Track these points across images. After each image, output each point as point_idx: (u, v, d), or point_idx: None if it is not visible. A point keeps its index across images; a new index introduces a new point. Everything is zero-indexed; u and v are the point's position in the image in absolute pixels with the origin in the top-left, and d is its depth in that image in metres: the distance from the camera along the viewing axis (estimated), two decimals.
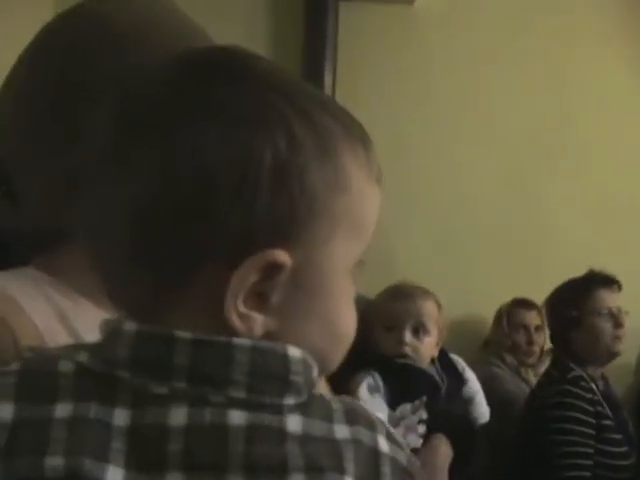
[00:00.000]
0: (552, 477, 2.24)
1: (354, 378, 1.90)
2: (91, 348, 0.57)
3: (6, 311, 0.72)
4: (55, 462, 0.51)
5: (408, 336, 1.99)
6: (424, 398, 1.88)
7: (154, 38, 0.81)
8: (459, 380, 2.04)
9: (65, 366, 0.56)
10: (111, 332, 0.56)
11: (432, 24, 3.45)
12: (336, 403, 0.58)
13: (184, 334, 0.54)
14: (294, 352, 0.56)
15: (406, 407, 1.87)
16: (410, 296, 2.05)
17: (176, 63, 0.60)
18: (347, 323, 0.61)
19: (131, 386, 0.54)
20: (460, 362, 2.09)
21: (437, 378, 1.98)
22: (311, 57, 3.29)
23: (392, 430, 0.61)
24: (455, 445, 1.86)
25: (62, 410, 0.53)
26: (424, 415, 1.86)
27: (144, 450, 0.52)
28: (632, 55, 3.52)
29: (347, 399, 0.60)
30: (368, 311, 2.04)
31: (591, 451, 2.26)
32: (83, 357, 0.56)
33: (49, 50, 0.82)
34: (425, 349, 2.00)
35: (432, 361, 2.03)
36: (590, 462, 2.25)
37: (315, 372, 0.58)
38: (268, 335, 0.56)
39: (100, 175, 0.58)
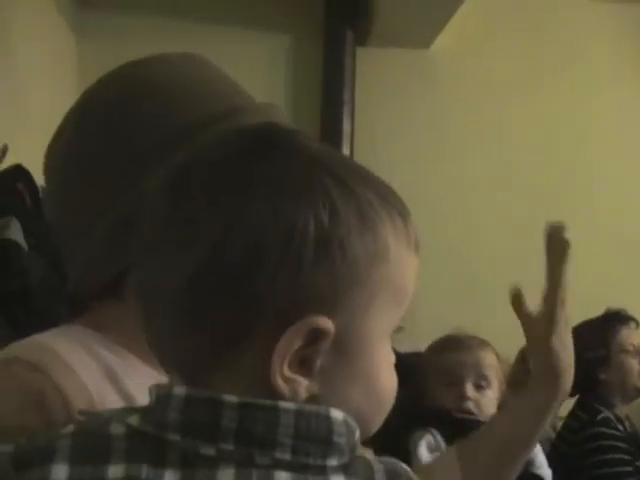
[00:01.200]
0: None
1: (411, 437, 1.76)
2: (142, 411, 0.58)
3: (56, 372, 0.72)
4: None
5: (470, 389, 1.82)
6: None
7: (197, 98, 0.84)
8: None
9: (117, 429, 0.57)
10: (161, 396, 0.58)
11: (448, 67, 3.45)
12: (377, 464, 0.59)
13: (231, 397, 0.55)
14: (337, 414, 0.57)
15: None
16: (469, 347, 1.89)
17: (236, 137, 0.63)
18: (388, 387, 0.63)
19: (181, 448, 0.55)
20: None
21: None
22: (330, 102, 3.28)
23: None
24: None
25: (115, 471, 0.55)
26: None
27: None
28: None
29: (388, 459, 0.61)
30: (419, 365, 1.90)
31: None
32: (134, 420, 0.57)
33: (94, 107, 0.83)
34: (487, 403, 1.83)
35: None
36: None
37: (357, 434, 0.59)
38: (312, 398, 0.57)
39: (158, 237, 0.60)
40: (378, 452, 1.68)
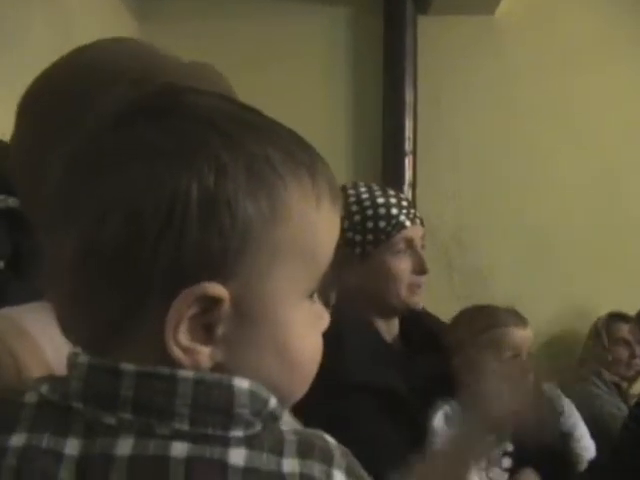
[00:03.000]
0: None
1: (432, 407, 1.66)
2: (53, 380, 0.58)
3: (10, 338, 0.73)
4: None
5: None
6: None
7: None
8: (553, 411, 1.75)
9: (31, 397, 0.57)
10: (68, 364, 0.57)
11: (514, 33, 3.24)
12: (292, 435, 0.56)
13: (129, 366, 0.54)
14: (240, 384, 0.55)
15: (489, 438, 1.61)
16: (503, 324, 1.74)
17: (126, 105, 0.59)
18: (303, 352, 0.59)
19: (84, 417, 0.55)
20: (554, 391, 1.81)
21: None
22: (391, 74, 3.14)
23: (357, 465, 0.58)
24: None
25: (17, 440, 0.54)
26: (509, 447, 1.63)
27: (90, 479, 0.53)
28: None
29: (309, 431, 0.58)
30: (451, 335, 1.84)
31: None
32: (44, 389, 0.57)
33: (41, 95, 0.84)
34: None
35: None
36: None
37: (272, 403, 0.56)
38: (218, 367, 0.55)
39: (51, 221, 0.58)
40: (400, 414, 1.56)
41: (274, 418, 0.57)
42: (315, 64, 3.23)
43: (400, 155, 3.09)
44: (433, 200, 3.11)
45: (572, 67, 3.21)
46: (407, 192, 2.99)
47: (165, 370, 0.54)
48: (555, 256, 3.19)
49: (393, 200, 1.75)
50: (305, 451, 0.55)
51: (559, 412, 1.77)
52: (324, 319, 0.63)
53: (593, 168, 3.21)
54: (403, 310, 1.76)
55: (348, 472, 0.56)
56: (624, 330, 2.95)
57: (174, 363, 0.54)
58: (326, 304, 1.71)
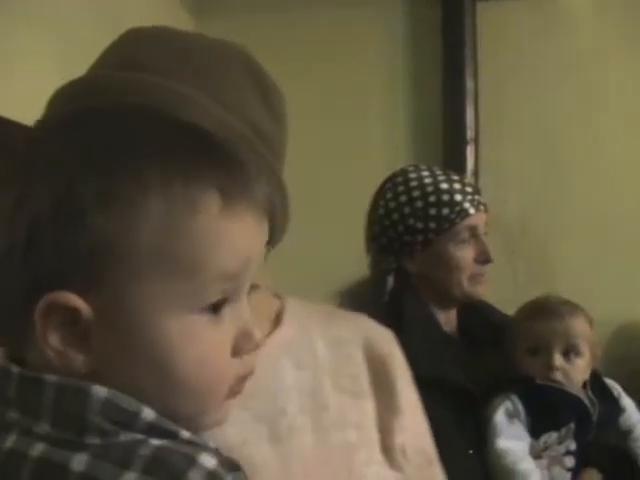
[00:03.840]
0: None
1: (492, 402, 1.63)
2: None
3: None
4: None
5: (558, 359, 1.66)
6: (572, 426, 1.60)
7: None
8: (615, 408, 1.70)
9: None
10: None
11: (577, 15, 3.12)
12: (147, 449, 0.54)
13: (14, 369, 0.58)
14: (98, 391, 0.55)
15: (551, 436, 1.59)
16: (558, 313, 1.70)
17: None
18: (188, 368, 0.58)
19: None
20: (616, 387, 1.76)
21: (587, 403, 1.65)
22: (451, 62, 3.06)
23: None
24: None
25: None
26: (572, 446, 1.59)
27: None
28: None
29: (186, 449, 0.55)
30: (508, 330, 1.74)
31: None
32: None
33: None
34: (577, 373, 1.67)
35: (583, 385, 1.69)
36: None
37: (144, 415, 0.56)
38: (93, 374, 0.56)
39: None
40: (464, 411, 1.51)
41: (161, 432, 0.56)
42: (371, 55, 3.18)
43: (462, 143, 3.02)
44: (497, 188, 3.02)
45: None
46: (470, 181, 2.92)
47: (35, 373, 0.57)
48: (624, 245, 3.06)
49: (457, 186, 1.69)
50: (152, 467, 0.54)
51: (621, 409, 1.70)
52: (246, 337, 0.61)
53: None
54: (464, 300, 1.71)
55: None
56: None
57: (53, 368, 0.57)
58: (382, 290, 1.67)
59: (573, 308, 1.73)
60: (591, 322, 1.75)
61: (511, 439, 1.58)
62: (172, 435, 0.56)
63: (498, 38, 3.12)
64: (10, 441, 0.56)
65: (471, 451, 1.58)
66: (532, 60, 3.11)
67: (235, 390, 0.63)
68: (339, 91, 3.05)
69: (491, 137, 3.07)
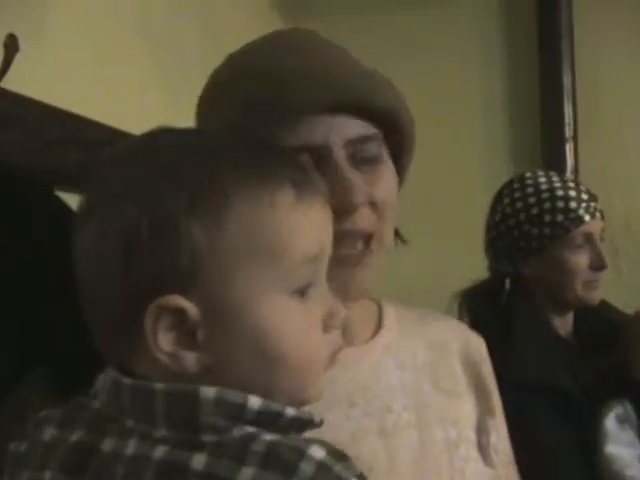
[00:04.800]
0: None
1: (603, 407, 1.58)
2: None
3: None
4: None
5: None
6: None
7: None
8: None
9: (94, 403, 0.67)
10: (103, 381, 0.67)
11: None
12: (261, 445, 0.57)
13: (127, 380, 0.63)
14: (207, 393, 0.59)
15: None
16: None
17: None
18: (288, 348, 0.62)
19: (118, 422, 0.63)
20: None
21: None
22: (547, 57, 2.96)
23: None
24: None
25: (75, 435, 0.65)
26: None
27: (107, 472, 0.61)
28: None
29: (292, 443, 0.58)
30: (624, 331, 1.69)
31: None
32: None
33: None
34: None
35: None
36: None
37: (251, 404, 0.59)
38: (207, 369, 0.61)
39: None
40: (571, 418, 1.45)
41: (269, 417, 0.60)
42: (468, 52, 3.10)
43: (560, 142, 2.92)
44: (599, 187, 2.88)
45: None
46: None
47: (145, 383, 0.61)
48: None
49: (572, 193, 1.70)
50: (267, 462, 0.56)
51: None
52: (332, 316, 0.65)
53: None
54: (579, 306, 1.70)
55: None
56: None
57: (167, 371, 0.61)
58: (498, 292, 1.66)
59: None
60: None
61: (622, 445, 1.53)
62: (278, 416, 0.61)
63: (594, 31, 3.01)
64: (132, 446, 0.60)
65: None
66: (629, 52, 3.00)
67: (328, 365, 0.67)
68: (435, 94, 2.99)
69: (590, 134, 2.96)
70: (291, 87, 0.84)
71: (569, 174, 2.88)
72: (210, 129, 0.71)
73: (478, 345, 1.07)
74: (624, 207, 2.98)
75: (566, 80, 2.94)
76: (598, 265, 1.66)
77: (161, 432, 0.60)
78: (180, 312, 0.60)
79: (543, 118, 2.98)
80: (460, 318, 1.72)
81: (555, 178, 1.74)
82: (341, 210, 0.82)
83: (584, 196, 1.70)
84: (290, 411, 0.62)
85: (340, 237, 0.75)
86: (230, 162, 0.62)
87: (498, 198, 1.83)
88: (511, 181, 1.82)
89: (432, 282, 2.70)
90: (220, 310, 0.61)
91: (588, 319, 1.76)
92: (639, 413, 1.57)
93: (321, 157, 0.85)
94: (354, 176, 0.85)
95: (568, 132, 2.92)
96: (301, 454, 0.57)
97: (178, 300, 0.60)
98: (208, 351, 0.61)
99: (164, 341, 0.60)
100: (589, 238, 1.67)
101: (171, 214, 0.59)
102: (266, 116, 0.83)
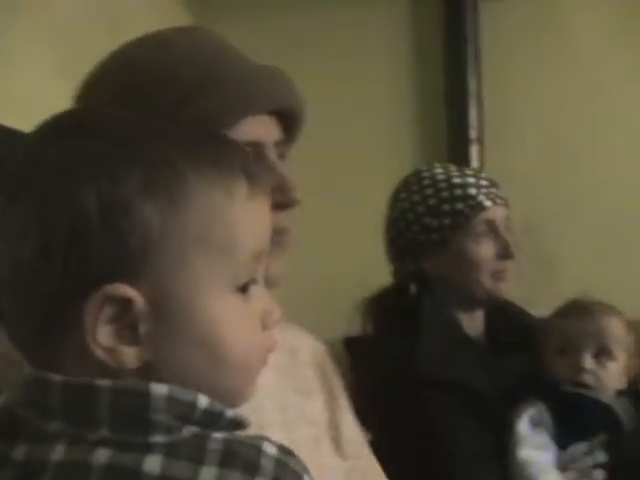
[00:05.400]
0: None
1: (516, 409, 1.52)
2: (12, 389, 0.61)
3: None
4: None
5: (588, 361, 1.54)
6: (603, 437, 1.48)
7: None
8: None
9: None
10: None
11: (579, 11, 3.03)
12: (217, 443, 0.55)
13: (56, 377, 0.57)
14: (158, 390, 0.55)
15: (579, 447, 1.48)
16: (590, 312, 1.59)
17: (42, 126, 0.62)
18: (231, 344, 0.59)
19: (30, 425, 0.57)
20: None
21: (619, 412, 1.52)
22: (453, 62, 2.99)
23: (294, 476, 0.57)
24: None
25: None
26: (602, 458, 1.47)
27: None
28: None
29: (246, 440, 0.57)
30: (538, 330, 1.64)
31: None
32: (2, 397, 0.61)
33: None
34: (609, 378, 1.54)
35: (620, 393, 1.57)
36: None
37: (200, 403, 0.56)
38: (146, 366, 0.57)
39: None
40: (485, 418, 1.46)
41: (213, 417, 0.57)
42: (376, 55, 3.10)
43: (465, 144, 2.94)
44: (504, 188, 2.96)
45: None
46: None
47: (85, 380, 0.56)
48: (629, 245, 3.00)
49: (471, 180, 1.61)
50: (227, 460, 0.54)
51: None
52: (269, 314, 0.63)
53: None
54: (487, 299, 1.62)
55: None
56: None
57: (102, 366, 0.56)
58: (406, 295, 1.63)
59: (608, 308, 1.62)
60: (629, 327, 1.63)
61: (535, 449, 1.48)
62: (219, 416, 0.58)
63: (500, 36, 3.04)
64: (58, 453, 0.55)
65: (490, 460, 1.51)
66: (534, 57, 3.04)
67: (265, 363, 0.65)
68: (341, 95, 2.98)
69: (496, 136, 3.00)
70: (243, 86, 0.89)
71: None
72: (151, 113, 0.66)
73: (322, 351, 1.11)
74: (525, 208, 3.03)
75: (471, 83, 2.97)
76: (504, 253, 1.60)
77: (100, 434, 0.55)
78: (126, 302, 0.56)
79: (449, 120, 3.00)
80: (363, 326, 1.67)
81: (452, 168, 1.66)
82: (282, 206, 0.85)
83: (484, 182, 1.62)
84: (229, 412, 0.59)
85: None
86: (186, 144, 0.59)
87: (395, 195, 1.73)
88: (407, 176, 1.73)
89: (337, 281, 2.71)
90: (166, 302, 0.57)
91: (498, 319, 1.70)
92: (554, 415, 1.52)
93: (256, 154, 0.87)
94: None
95: (473, 134, 2.95)
96: (258, 451, 0.56)
97: (126, 289, 0.56)
98: (149, 346, 0.57)
99: (103, 334, 0.56)
100: (492, 225, 1.60)
101: (125, 194, 0.55)
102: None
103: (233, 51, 0.94)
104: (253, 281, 0.62)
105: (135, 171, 0.56)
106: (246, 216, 0.60)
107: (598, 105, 3.01)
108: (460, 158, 2.90)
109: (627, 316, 1.68)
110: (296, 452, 0.87)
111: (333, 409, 1.06)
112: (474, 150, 2.95)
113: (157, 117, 0.64)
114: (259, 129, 0.89)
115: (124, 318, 0.56)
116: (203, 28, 0.98)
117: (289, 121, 0.94)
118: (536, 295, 1.76)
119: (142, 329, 0.57)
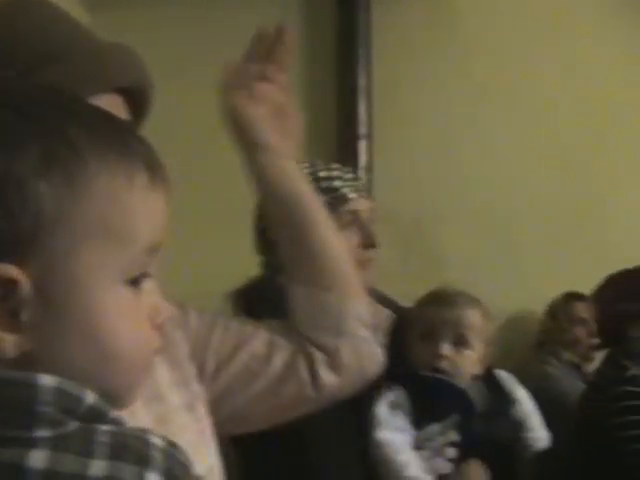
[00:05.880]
0: None
1: (376, 393, 1.57)
2: None
3: None
4: None
5: (446, 348, 1.61)
6: (456, 418, 1.54)
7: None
8: (505, 400, 1.64)
9: None
10: None
11: (472, 11, 3.12)
12: (105, 436, 0.52)
13: None
14: (46, 381, 0.51)
15: (434, 427, 1.53)
16: (451, 303, 1.66)
17: None
18: (119, 339, 0.56)
19: None
20: (509, 379, 1.70)
21: (472, 395, 1.59)
22: (343, 57, 3.01)
23: (182, 467, 0.54)
24: (495, 473, 1.51)
25: None
26: (454, 437, 1.53)
27: None
28: None
29: (133, 431, 0.54)
30: (402, 318, 1.69)
31: None
32: None
33: None
34: (465, 364, 1.62)
35: (475, 378, 1.64)
36: None
37: (87, 399, 0.53)
38: (26, 356, 0.53)
39: None
40: (351, 408, 1.47)
41: (97, 414, 0.53)
42: None
43: (354, 139, 2.97)
44: (391, 184, 3.00)
45: (535, 41, 3.11)
46: (363, 176, 2.88)
47: None
48: (512, 240, 3.10)
49: (336, 173, 1.66)
50: (117, 453, 0.51)
51: (512, 400, 1.67)
52: (158, 312, 0.60)
53: (551, 142, 3.12)
54: None
55: (167, 474, 0.52)
56: (581, 309, 2.85)
57: None
58: (275, 286, 1.60)
59: (469, 299, 1.68)
60: (487, 317, 1.70)
61: (392, 431, 1.53)
62: (102, 413, 0.54)
63: (392, 33, 3.09)
64: None
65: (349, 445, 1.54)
66: (425, 55, 3.11)
67: (151, 363, 0.62)
68: None
69: (385, 133, 3.04)
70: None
71: (363, 170, 2.94)
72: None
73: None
74: (413, 203, 3.09)
75: (361, 79, 3.00)
76: (367, 243, 1.64)
77: None
78: (10, 284, 0.51)
79: (339, 116, 3.02)
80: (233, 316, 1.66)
81: (318, 162, 1.72)
82: None
83: (348, 176, 1.67)
84: (112, 414, 0.55)
85: None
86: (86, 123, 0.55)
87: None
88: None
89: (211, 280, 2.69)
90: (53, 288, 0.53)
91: None
92: (412, 399, 1.58)
93: None
94: None
95: (362, 130, 2.98)
96: (146, 443, 0.53)
97: (12, 269, 0.51)
98: (31, 335, 0.52)
99: None
100: (356, 216, 1.65)
101: (18, 170, 0.51)
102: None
103: (82, 26, 0.92)
104: (146, 275, 0.59)
105: (33, 145, 0.52)
106: (145, 207, 0.57)
107: (486, 105, 3.10)
108: (348, 154, 2.93)
109: (493, 308, 1.75)
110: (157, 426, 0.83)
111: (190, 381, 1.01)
112: (363, 146, 2.98)
113: (70, 97, 0.60)
114: (111, 108, 0.87)
115: (6, 302, 0.52)
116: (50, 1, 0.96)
117: (137, 101, 0.92)
118: (424, 288, 1.79)
119: (24, 315, 0.52)
